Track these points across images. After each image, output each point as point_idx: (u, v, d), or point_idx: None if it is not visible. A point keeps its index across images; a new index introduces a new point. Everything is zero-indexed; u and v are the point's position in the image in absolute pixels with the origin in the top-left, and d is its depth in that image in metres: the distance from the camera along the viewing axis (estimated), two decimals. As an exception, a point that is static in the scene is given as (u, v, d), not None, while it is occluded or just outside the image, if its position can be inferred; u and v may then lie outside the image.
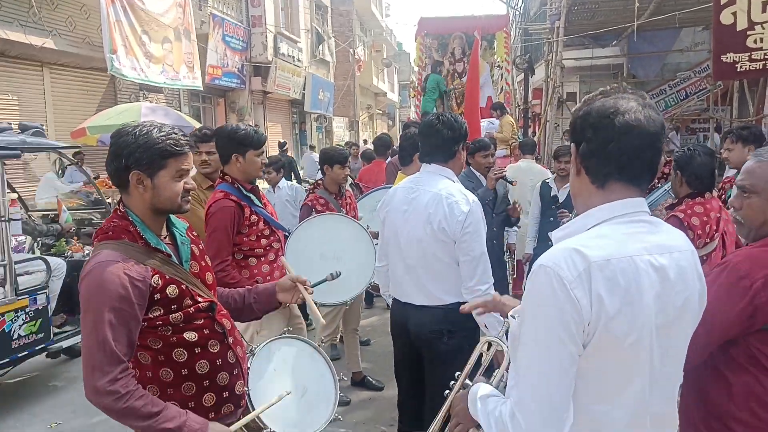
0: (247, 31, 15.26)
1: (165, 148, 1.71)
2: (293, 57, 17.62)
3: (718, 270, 1.66)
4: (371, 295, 5.74)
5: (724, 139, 3.95)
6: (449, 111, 10.73)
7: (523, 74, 16.63)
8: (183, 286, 1.75)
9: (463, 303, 2.50)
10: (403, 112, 44.18)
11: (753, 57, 5.91)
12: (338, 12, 24.55)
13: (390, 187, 4.48)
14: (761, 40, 5.84)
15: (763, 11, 5.81)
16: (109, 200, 9.43)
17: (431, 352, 2.58)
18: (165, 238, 1.82)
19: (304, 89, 18.86)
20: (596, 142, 1.27)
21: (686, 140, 14.38)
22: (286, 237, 3.06)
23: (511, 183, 4.18)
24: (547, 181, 4.84)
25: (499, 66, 10.72)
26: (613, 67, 15.71)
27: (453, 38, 10.90)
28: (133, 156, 1.69)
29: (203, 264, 1.90)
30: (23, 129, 4.83)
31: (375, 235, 3.35)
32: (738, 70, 6.09)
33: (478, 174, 4.08)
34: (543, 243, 4.67)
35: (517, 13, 20.75)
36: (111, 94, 11.00)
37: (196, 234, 1.97)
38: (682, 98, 14.42)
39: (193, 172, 1.97)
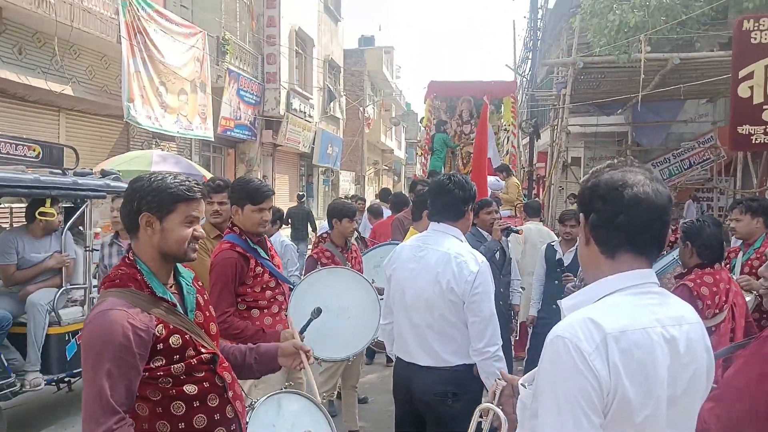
0: (261, 87, 15.68)
1: (177, 193, 1.76)
2: (305, 112, 18.01)
3: (761, 341, 1.64)
4: (372, 350, 5.66)
5: (731, 209, 3.99)
6: (456, 170, 10.92)
7: (528, 138, 16.97)
8: (187, 336, 1.75)
9: (470, 365, 2.48)
10: (409, 168, 44.71)
11: (767, 130, 6.11)
12: (350, 72, 25.25)
13: (395, 244, 4.53)
14: None
15: None
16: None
17: (435, 415, 2.53)
18: (171, 287, 1.83)
19: (313, 143, 19.19)
20: (606, 214, 1.31)
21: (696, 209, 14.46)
22: (291, 290, 3.06)
23: (517, 232, 4.22)
24: (552, 244, 4.86)
25: (505, 129, 10.91)
26: (617, 135, 15.99)
27: (461, 101, 11.16)
28: (145, 199, 1.74)
29: (208, 314, 1.90)
30: (104, 174, 5.52)
31: (380, 291, 3.35)
32: (753, 141, 6.29)
33: (484, 232, 4.11)
34: (547, 306, 4.64)
35: (524, 79, 21.32)
36: (124, 141, 11.21)
37: (201, 284, 1.98)
38: (686, 167, 14.60)
39: (202, 221, 1.99)
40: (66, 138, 9.94)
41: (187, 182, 1.80)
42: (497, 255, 4.05)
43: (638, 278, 1.29)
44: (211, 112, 12.57)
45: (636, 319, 1.22)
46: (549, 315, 4.58)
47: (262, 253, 2.88)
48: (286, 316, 2.81)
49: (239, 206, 2.88)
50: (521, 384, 1.48)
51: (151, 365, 1.68)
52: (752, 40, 6.18)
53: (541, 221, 6.49)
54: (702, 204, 14.89)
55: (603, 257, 1.32)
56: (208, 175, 10.29)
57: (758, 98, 6.13)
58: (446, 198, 2.60)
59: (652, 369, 1.19)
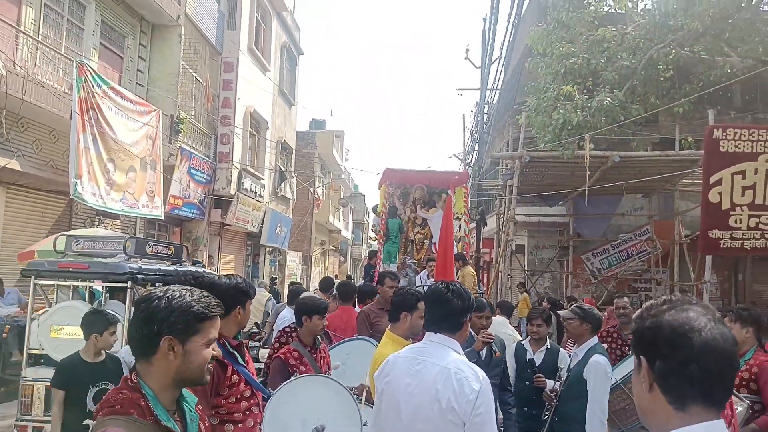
0: (213, 166, 15.56)
1: (200, 311, 1.64)
2: (255, 192, 17.90)
3: None
4: None
5: (723, 316, 4.05)
6: (410, 256, 10.94)
7: (476, 225, 17.36)
8: None
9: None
10: (355, 249, 44.76)
11: (734, 236, 6.36)
12: (301, 153, 25.54)
13: (364, 339, 4.38)
14: (740, 221, 6.32)
15: (743, 195, 6.33)
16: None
17: None
18: (174, 413, 1.68)
19: (262, 223, 18.96)
20: (675, 362, 1.21)
21: (630, 299, 14.90)
22: (264, 399, 2.85)
23: (495, 353, 4.15)
24: (522, 343, 4.83)
25: (457, 218, 11.13)
26: (559, 225, 16.61)
27: (415, 189, 11.37)
28: (167, 321, 1.60)
29: None
30: (194, 263, 5.96)
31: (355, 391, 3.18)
32: (721, 246, 6.48)
33: (472, 332, 4.04)
34: (520, 408, 4.53)
35: (470, 168, 22.11)
36: (66, 218, 10.75)
37: (201, 408, 1.82)
38: (624, 258, 15.20)
39: None
40: (5, 213, 9.44)
41: (206, 298, 1.69)
42: (482, 355, 3.95)
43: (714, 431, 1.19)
44: (161, 190, 12.29)
45: None
46: (521, 418, 4.45)
47: (240, 359, 2.69)
48: (261, 430, 2.60)
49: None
50: None
51: None
52: (721, 148, 6.46)
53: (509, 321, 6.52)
54: (640, 294, 15.42)
55: (671, 408, 1.22)
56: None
57: (726, 204, 6.39)
58: (444, 308, 2.49)
59: None
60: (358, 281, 13.77)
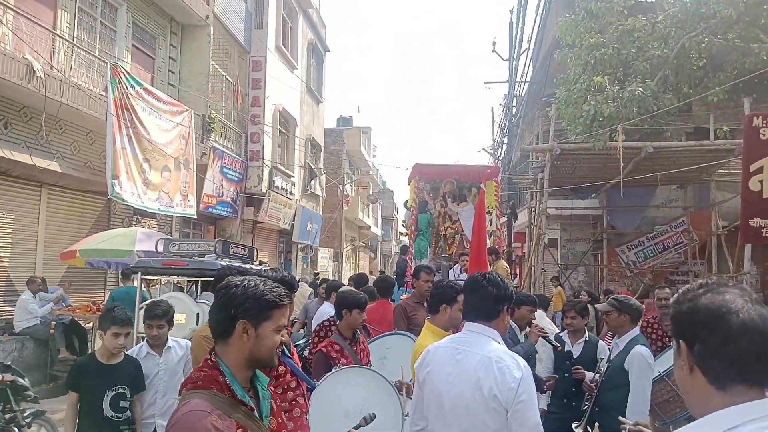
0: (245, 164, 15.77)
1: (272, 300, 1.80)
2: (286, 190, 18.08)
3: None
4: None
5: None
6: (442, 251, 10.93)
7: (507, 219, 17.25)
8: None
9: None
10: (385, 245, 44.88)
11: None
12: (329, 150, 25.70)
13: (402, 334, 4.41)
14: None
15: None
16: (89, 324, 9.11)
17: None
18: (249, 391, 1.84)
19: (293, 220, 19.15)
20: (714, 344, 1.23)
21: (671, 290, 14.63)
22: (309, 390, 2.90)
23: (555, 347, 4.15)
24: (561, 335, 4.80)
25: (489, 212, 11.08)
26: (592, 218, 16.37)
27: (444, 183, 11.34)
28: (243, 306, 1.77)
29: (280, 421, 1.91)
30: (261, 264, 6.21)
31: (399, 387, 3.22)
32: (763, 234, 6.35)
33: (514, 325, 4.05)
34: (558, 400, 4.51)
35: (499, 162, 21.96)
36: (105, 218, 11.02)
37: (272, 389, 1.99)
38: (660, 250, 14.92)
39: None
40: (47, 213, 9.73)
41: (278, 289, 1.85)
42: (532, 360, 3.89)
43: (760, 411, 1.20)
44: (194, 189, 12.51)
45: None
46: (560, 409, 4.45)
47: (286, 351, 2.75)
48: (307, 419, 2.65)
49: None
50: None
51: None
52: (761, 136, 6.35)
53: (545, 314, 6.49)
54: (677, 286, 15.09)
55: (713, 388, 1.24)
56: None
57: (767, 192, 6.27)
58: (479, 296, 2.51)
59: None
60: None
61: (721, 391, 1.23)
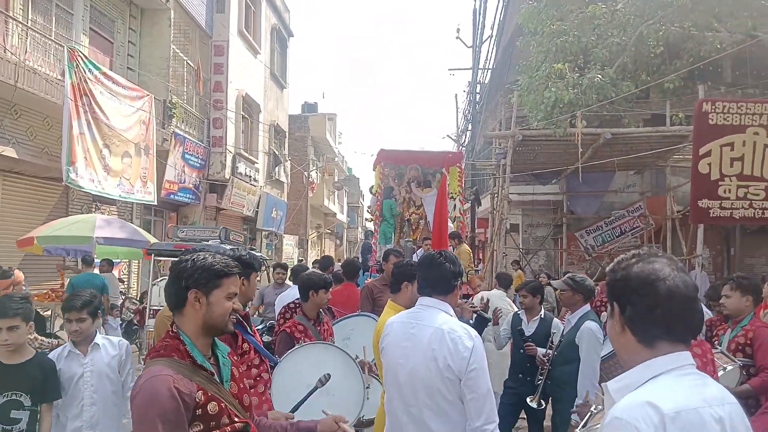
0: (207, 150, 15.57)
1: (220, 269, 1.93)
2: (250, 176, 17.94)
3: None
4: None
5: (722, 285, 4.16)
6: (407, 236, 11.05)
7: (470, 205, 17.50)
8: (222, 405, 1.86)
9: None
10: (351, 232, 44.92)
11: (723, 205, 6.54)
12: (294, 137, 25.52)
13: (366, 315, 4.50)
14: (729, 191, 6.51)
15: (731, 166, 6.51)
16: (47, 312, 8.94)
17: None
18: (210, 358, 1.96)
19: (257, 207, 19.03)
20: (642, 307, 1.37)
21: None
22: (272, 367, 2.97)
23: (489, 319, 4.27)
24: (518, 313, 4.97)
25: (452, 197, 11.24)
26: (552, 203, 16.74)
27: (409, 169, 11.43)
28: (193, 276, 1.90)
29: (241, 386, 2.01)
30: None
31: (363, 366, 3.31)
32: (711, 215, 6.68)
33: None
34: (514, 375, 4.68)
35: (463, 148, 22.19)
36: (63, 205, 10.78)
37: (236, 358, 2.12)
38: (617, 235, 15.37)
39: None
40: (2, 200, 9.48)
41: (226, 260, 1.98)
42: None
43: (679, 360, 1.36)
44: (154, 176, 12.32)
45: (688, 399, 1.29)
46: (516, 384, 4.62)
47: (248, 329, 2.81)
48: (270, 394, 2.73)
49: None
50: None
51: (191, 430, 1.79)
52: (710, 121, 6.63)
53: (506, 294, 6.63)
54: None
55: (641, 346, 1.39)
56: (152, 240, 9.98)
57: (715, 175, 6.58)
58: (437, 272, 2.62)
59: None
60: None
61: (648, 348, 1.38)
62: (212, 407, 1.82)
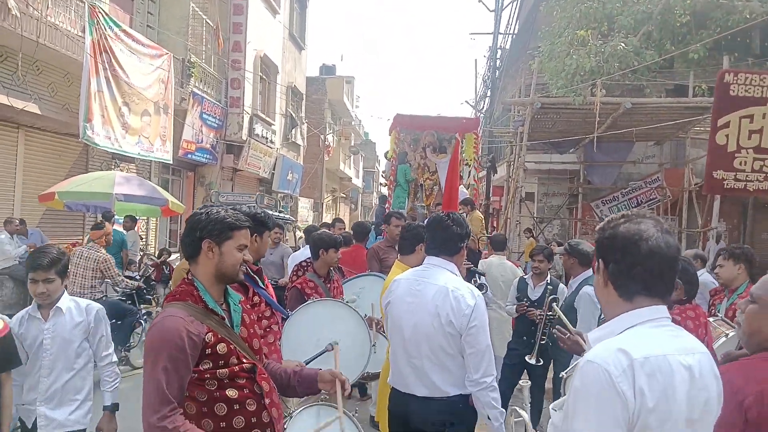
0: (225, 111, 15.62)
1: (232, 222, 2.07)
2: (267, 138, 17.99)
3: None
4: (364, 386, 5.53)
5: (717, 255, 4.25)
6: (420, 202, 11.10)
7: (485, 172, 17.44)
8: (231, 346, 2.00)
9: (466, 395, 2.58)
10: (366, 197, 45.02)
11: (738, 177, 6.55)
12: (311, 99, 25.41)
13: (375, 275, 4.61)
14: (745, 163, 6.51)
15: (749, 138, 6.48)
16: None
17: (432, 444, 2.59)
18: (222, 305, 2.10)
19: (273, 169, 19.13)
20: (624, 265, 1.47)
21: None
22: (283, 320, 3.09)
23: (480, 275, 4.37)
24: (524, 278, 5.05)
25: (467, 164, 11.22)
26: (569, 173, 16.62)
27: (425, 135, 11.39)
28: (207, 228, 2.05)
29: (251, 331, 2.16)
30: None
31: (370, 322, 3.43)
32: (725, 186, 6.70)
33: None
34: (518, 337, 4.80)
35: (482, 115, 21.98)
36: (83, 161, 10.96)
37: (248, 306, 2.26)
38: (634, 206, 15.24)
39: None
40: (24, 155, 9.66)
41: (237, 214, 2.11)
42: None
43: (655, 313, 1.46)
44: (171, 135, 12.43)
45: (658, 347, 1.39)
46: (519, 346, 4.74)
47: (260, 283, 2.92)
48: (280, 345, 2.85)
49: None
50: (552, 408, 1.62)
51: (200, 367, 1.94)
52: (731, 92, 6.58)
53: (504, 255, 6.67)
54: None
55: (621, 300, 1.49)
56: (171, 199, 10.15)
57: (732, 146, 6.58)
58: (444, 234, 2.72)
59: (671, 392, 1.35)
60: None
61: (628, 302, 1.48)
62: (221, 348, 1.97)
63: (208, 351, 1.94)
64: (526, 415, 1.58)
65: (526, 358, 4.40)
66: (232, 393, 1.98)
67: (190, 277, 2.08)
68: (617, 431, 1.32)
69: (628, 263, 1.46)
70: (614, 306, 1.51)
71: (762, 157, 6.47)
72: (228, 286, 2.15)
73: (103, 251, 6.82)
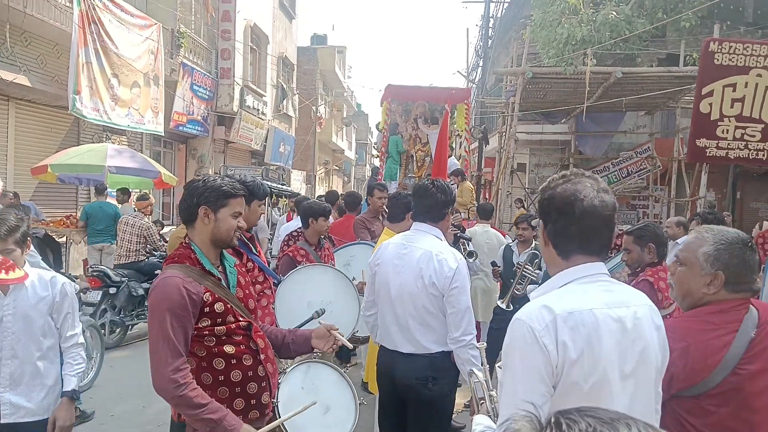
0: (215, 82, 15.53)
1: (228, 190, 2.17)
2: (258, 110, 17.92)
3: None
4: (348, 353, 5.67)
5: (691, 220, 4.40)
6: (411, 173, 11.18)
7: (478, 143, 17.48)
8: (228, 305, 2.12)
9: (448, 352, 2.73)
10: (359, 169, 44.99)
11: (720, 145, 6.65)
12: (302, 70, 25.22)
13: (365, 243, 4.73)
14: (727, 131, 6.61)
15: (731, 107, 6.56)
16: (62, 239, 9.28)
17: (416, 397, 2.77)
18: (218, 267, 2.22)
19: (265, 141, 19.11)
20: (561, 224, 1.53)
21: (626, 215, 15.29)
22: (276, 285, 3.21)
23: (466, 239, 4.50)
24: (510, 245, 5.19)
25: (458, 135, 11.27)
26: (561, 143, 16.67)
27: (416, 105, 11.39)
28: (203, 195, 2.15)
29: (247, 292, 2.29)
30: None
31: (359, 287, 3.55)
32: (707, 154, 6.80)
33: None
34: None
35: (475, 86, 21.90)
36: (74, 134, 10.93)
37: (245, 269, 2.36)
38: (624, 176, 15.38)
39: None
40: (15, 127, 9.64)
41: (233, 183, 2.22)
42: None
43: (590, 270, 1.52)
44: (163, 107, 12.39)
45: (584, 302, 1.45)
46: (504, 311, 4.89)
47: (253, 249, 3.03)
48: (273, 309, 2.98)
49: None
50: (497, 366, 1.71)
51: (199, 325, 2.07)
52: (715, 61, 6.63)
53: (489, 224, 6.79)
54: (638, 211, 15.74)
55: (560, 258, 1.56)
56: (163, 171, 10.19)
57: (715, 115, 6.66)
58: (430, 201, 2.86)
59: (597, 343, 1.42)
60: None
61: (565, 260, 1.55)
62: (218, 307, 2.09)
63: (207, 310, 2.06)
64: (481, 375, 1.68)
65: (498, 302, 4.58)
66: (229, 349, 2.10)
67: (187, 241, 2.19)
68: (541, 386, 1.39)
69: (564, 222, 1.51)
70: (554, 264, 1.58)
71: (743, 125, 6.56)
72: (223, 250, 2.25)
73: (147, 219, 7.61)
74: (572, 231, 1.51)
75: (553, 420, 0.75)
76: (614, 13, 11.55)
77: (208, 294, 2.07)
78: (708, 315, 1.86)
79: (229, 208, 2.16)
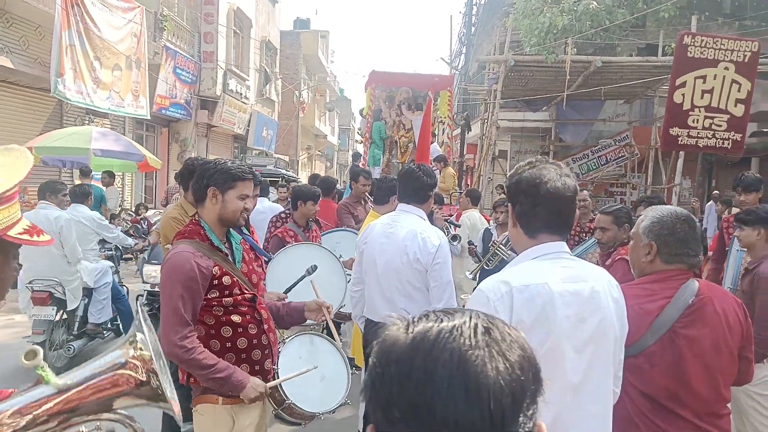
0: (198, 66, 15.48)
1: (236, 173, 2.29)
2: (241, 94, 17.89)
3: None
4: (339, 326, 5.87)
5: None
6: (395, 159, 11.32)
7: (460, 130, 17.65)
8: (234, 279, 2.29)
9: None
10: (341, 154, 45.00)
11: (690, 134, 6.97)
12: (285, 54, 25.11)
13: (349, 230, 4.90)
14: (697, 121, 6.93)
15: (701, 97, 6.88)
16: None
17: (400, 366, 2.94)
18: (225, 243, 2.37)
19: (248, 125, 19.09)
20: (526, 206, 1.68)
21: (604, 202, 15.62)
22: (266, 262, 3.36)
23: (458, 226, 4.69)
24: (489, 228, 5.39)
25: (441, 121, 11.42)
26: (541, 130, 16.89)
27: (400, 92, 11.52)
28: (213, 177, 2.28)
29: (251, 267, 2.45)
30: None
31: (345, 264, 3.72)
32: (679, 142, 7.12)
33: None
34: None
35: (457, 72, 22.03)
36: (57, 116, 10.88)
37: (249, 246, 2.55)
38: (602, 163, 15.68)
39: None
40: (-2, 110, 9.59)
41: (242, 166, 2.36)
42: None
43: (552, 248, 1.67)
44: (146, 90, 12.35)
45: (540, 276, 1.60)
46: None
47: (244, 229, 3.17)
48: (264, 285, 3.13)
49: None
50: None
51: (208, 296, 2.23)
52: (688, 54, 6.92)
53: (476, 209, 7.03)
54: (616, 198, 16.07)
55: (526, 237, 1.71)
56: (147, 154, 10.21)
57: (687, 105, 6.96)
58: (416, 183, 3.06)
59: (551, 312, 1.56)
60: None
61: (532, 239, 1.71)
62: (226, 280, 2.25)
63: (215, 282, 2.22)
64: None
65: (466, 273, 4.78)
66: (236, 318, 2.27)
67: (197, 218, 2.35)
68: None
69: (530, 204, 1.65)
70: (522, 243, 1.71)
71: (712, 115, 6.89)
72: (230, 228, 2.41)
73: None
74: (537, 211, 1.65)
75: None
76: (595, 2, 11.75)
77: (216, 268, 2.22)
78: (647, 283, 2.07)
79: (236, 191, 2.28)
